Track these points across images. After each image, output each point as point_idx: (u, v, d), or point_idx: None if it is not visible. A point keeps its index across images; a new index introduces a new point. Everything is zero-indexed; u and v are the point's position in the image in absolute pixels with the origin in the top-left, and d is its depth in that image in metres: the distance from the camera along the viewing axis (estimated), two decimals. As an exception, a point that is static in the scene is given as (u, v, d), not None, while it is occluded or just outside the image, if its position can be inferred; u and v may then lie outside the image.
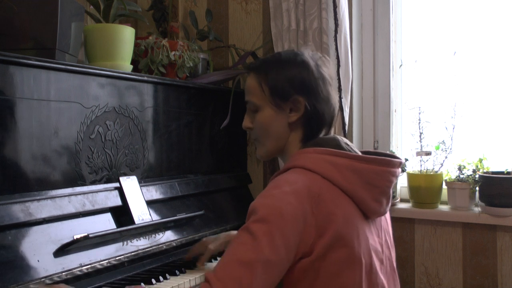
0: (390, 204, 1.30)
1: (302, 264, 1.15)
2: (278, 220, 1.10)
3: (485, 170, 1.98)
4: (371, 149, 2.14)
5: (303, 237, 1.12)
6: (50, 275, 1.26)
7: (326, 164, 1.19)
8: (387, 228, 1.37)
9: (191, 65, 2.03)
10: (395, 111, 2.25)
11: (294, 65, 1.29)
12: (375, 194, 1.22)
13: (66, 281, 1.29)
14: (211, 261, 1.63)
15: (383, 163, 1.24)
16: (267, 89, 1.29)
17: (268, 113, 1.30)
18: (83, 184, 1.50)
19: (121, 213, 1.55)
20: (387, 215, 1.40)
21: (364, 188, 1.20)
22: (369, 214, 1.24)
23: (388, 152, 1.41)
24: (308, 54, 1.33)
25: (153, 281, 1.42)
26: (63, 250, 1.32)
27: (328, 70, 1.34)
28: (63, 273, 1.29)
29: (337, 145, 1.26)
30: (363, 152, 1.34)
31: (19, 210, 1.26)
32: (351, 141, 2.15)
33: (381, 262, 1.27)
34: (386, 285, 1.27)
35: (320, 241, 1.13)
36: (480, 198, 1.95)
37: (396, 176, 1.27)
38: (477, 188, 1.95)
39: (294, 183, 1.17)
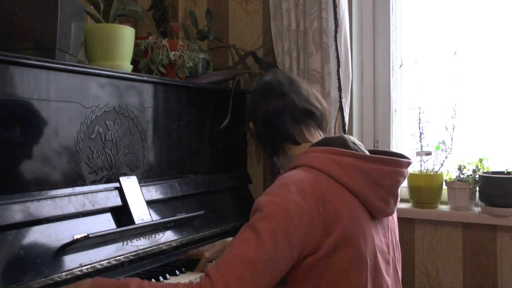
0: (397, 204, 1.29)
1: (307, 262, 1.14)
2: (283, 218, 1.10)
3: (485, 170, 1.98)
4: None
5: (308, 236, 1.12)
6: (50, 275, 1.25)
7: (332, 164, 1.19)
8: (394, 229, 1.36)
9: (191, 65, 2.02)
10: (395, 111, 2.25)
11: (261, 95, 1.43)
12: (381, 194, 1.22)
13: (66, 281, 1.28)
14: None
15: (390, 163, 1.23)
16: None
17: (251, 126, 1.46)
18: (83, 184, 1.50)
19: (121, 213, 1.55)
20: (394, 215, 1.39)
21: (370, 188, 1.20)
22: (376, 214, 1.23)
23: (397, 151, 1.40)
24: (282, 79, 1.43)
25: (153, 281, 1.41)
26: (63, 250, 1.32)
27: (309, 90, 1.43)
28: (63, 273, 1.29)
29: (344, 144, 1.26)
30: (371, 152, 1.32)
31: (19, 210, 1.26)
32: (351, 141, 2.15)
33: (387, 263, 1.26)
34: (390, 286, 1.26)
35: (327, 240, 1.12)
36: (480, 198, 1.95)
37: (404, 176, 1.26)
38: (477, 188, 1.95)
39: (301, 181, 1.16)
